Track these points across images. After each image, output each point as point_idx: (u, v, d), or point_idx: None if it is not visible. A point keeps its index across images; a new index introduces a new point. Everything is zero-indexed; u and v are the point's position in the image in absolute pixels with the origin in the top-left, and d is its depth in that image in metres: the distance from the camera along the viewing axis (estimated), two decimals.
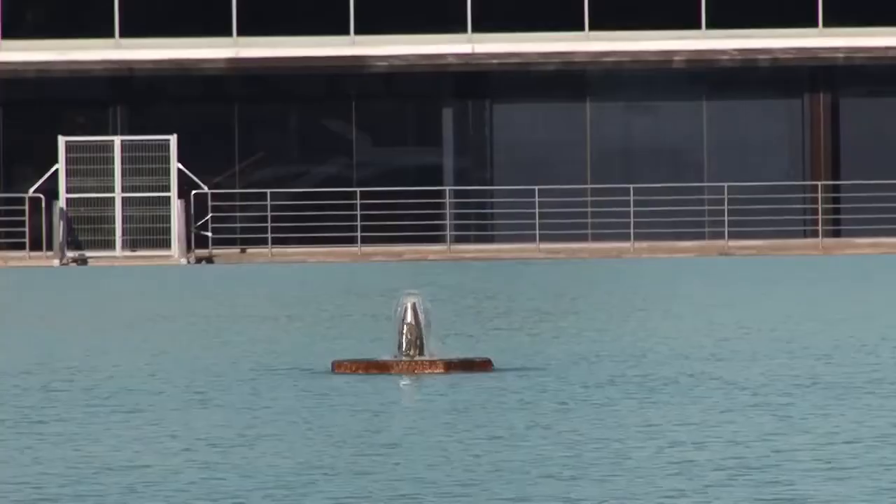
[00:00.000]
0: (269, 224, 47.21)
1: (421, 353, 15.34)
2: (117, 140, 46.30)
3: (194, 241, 47.25)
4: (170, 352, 17.92)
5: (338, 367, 15.58)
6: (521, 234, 47.27)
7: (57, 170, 45.67)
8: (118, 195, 45.97)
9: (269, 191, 46.99)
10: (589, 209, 47.26)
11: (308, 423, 9.58)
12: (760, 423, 8.99)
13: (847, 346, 17.31)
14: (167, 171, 45.90)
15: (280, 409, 10.97)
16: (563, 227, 46.72)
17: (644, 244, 46.64)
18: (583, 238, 47.29)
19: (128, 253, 46.65)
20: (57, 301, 33.29)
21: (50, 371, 15.16)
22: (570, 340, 18.75)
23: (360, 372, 15.44)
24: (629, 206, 46.90)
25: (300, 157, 48.71)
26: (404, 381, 14.59)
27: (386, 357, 15.39)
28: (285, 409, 10.95)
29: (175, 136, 45.83)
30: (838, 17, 48.10)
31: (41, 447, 8.14)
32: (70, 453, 7.67)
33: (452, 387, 13.66)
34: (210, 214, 46.44)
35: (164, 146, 45.65)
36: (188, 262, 46.63)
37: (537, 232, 46.32)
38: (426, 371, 15.15)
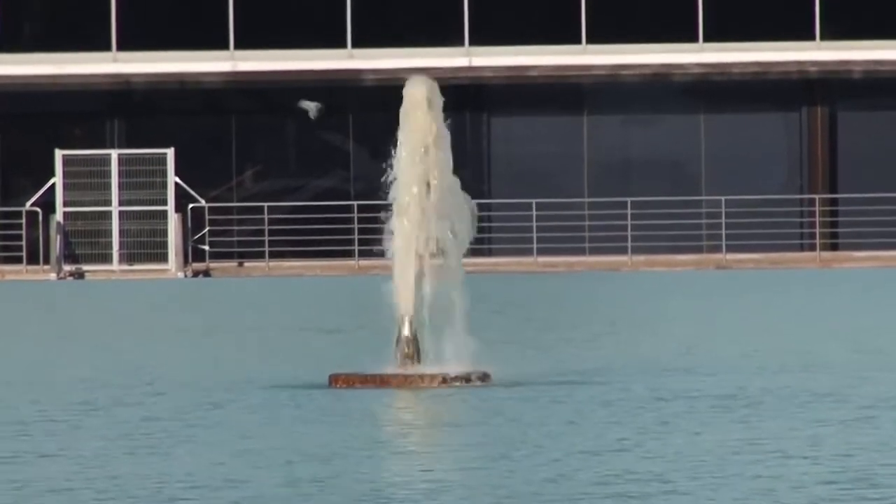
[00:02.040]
0: (266, 238, 47.31)
1: (418, 366, 15.08)
2: (114, 153, 46.35)
3: (191, 254, 47.04)
4: (164, 366, 17.95)
5: (335, 380, 15.50)
6: (519, 248, 47.47)
7: (54, 183, 45.54)
8: (115, 209, 46.05)
9: (266, 204, 47.06)
10: (587, 223, 47.38)
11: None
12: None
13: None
14: (164, 185, 45.81)
15: (276, 424, 10.94)
16: (561, 240, 46.90)
17: (642, 258, 46.80)
18: (580, 252, 47.41)
19: (125, 267, 46.63)
20: (52, 315, 33.34)
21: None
22: (591, 353, 18.89)
23: (358, 385, 15.27)
24: (626, 220, 47.10)
25: (297, 171, 48.91)
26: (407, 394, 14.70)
27: (384, 371, 15.20)
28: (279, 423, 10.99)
29: (172, 149, 45.75)
30: (835, 30, 48.21)
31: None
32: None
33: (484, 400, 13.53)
34: (207, 228, 46.45)
35: (162, 160, 45.65)
36: (185, 276, 46.47)
37: (535, 245, 46.51)
38: (423, 385, 14.96)
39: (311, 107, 47.05)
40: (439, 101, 16.39)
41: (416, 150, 16.56)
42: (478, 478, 6.81)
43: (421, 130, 16.48)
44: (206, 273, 47.25)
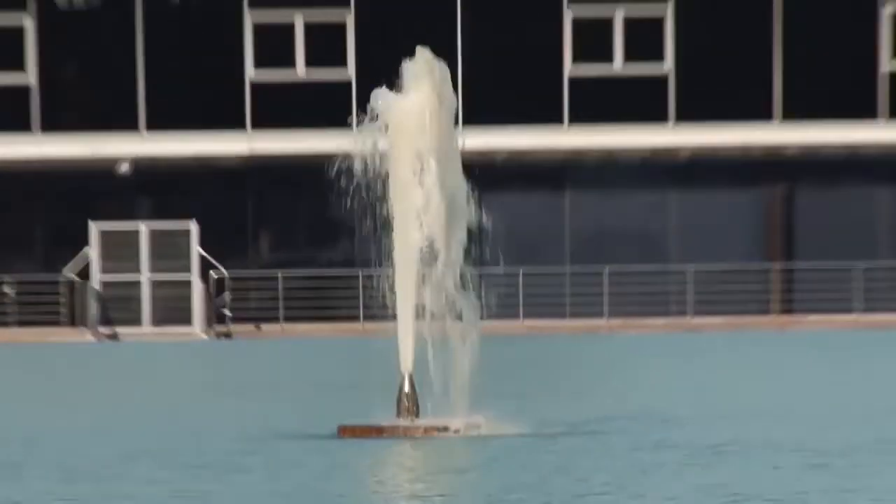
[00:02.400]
0: (280, 303, 46.29)
1: (417, 418, 14.70)
2: (143, 226, 45.75)
3: (214, 318, 46.38)
4: (202, 418, 17.55)
5: (343, 431, 15.26)
6: (507, 312, 46.43)
7: (89, 253, 44.89)
8: (144, 276, 45.22)
9: (280, 273, 46.21)
10: (567, 289, 47.05)
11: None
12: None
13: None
14: (188, 255, 45.05)
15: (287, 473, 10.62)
16: (545, 304, 46.52)
17: (618, 321, 46.40)
18: (562, 315, 46.97)
19: (155, 329, 45.76)
20: (93, 374, 32.48)
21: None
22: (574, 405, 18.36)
23: (362, 436, 15.06)
24: (603, 287, 46.86)
25: (308, 242, 48.22)
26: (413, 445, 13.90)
27: (386, 423, 14.67)
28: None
29: (195, 222, 45.29)
30: (795, 112, 48.03)
31: None
32: None
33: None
34: (227, 294, 45.93)
35: (186, 232, 45.02)
36: (209, 338, 45.56)
37: (521, 309, 46.19)
38: (419, 435, 14.42)
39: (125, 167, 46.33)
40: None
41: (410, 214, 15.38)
42: None
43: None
44: (228, 335, 46.15)
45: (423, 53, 14.84)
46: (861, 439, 12.45)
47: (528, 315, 46.80)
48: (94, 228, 44.27)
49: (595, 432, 14.20)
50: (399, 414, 14.47)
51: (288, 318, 45.87)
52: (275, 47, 49.24)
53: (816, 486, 8.50)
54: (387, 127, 14.83)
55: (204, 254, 44.84)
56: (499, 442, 13.27)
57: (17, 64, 49.32)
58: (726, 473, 9.32)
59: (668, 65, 49.07)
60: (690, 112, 48.19)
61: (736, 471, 9.66)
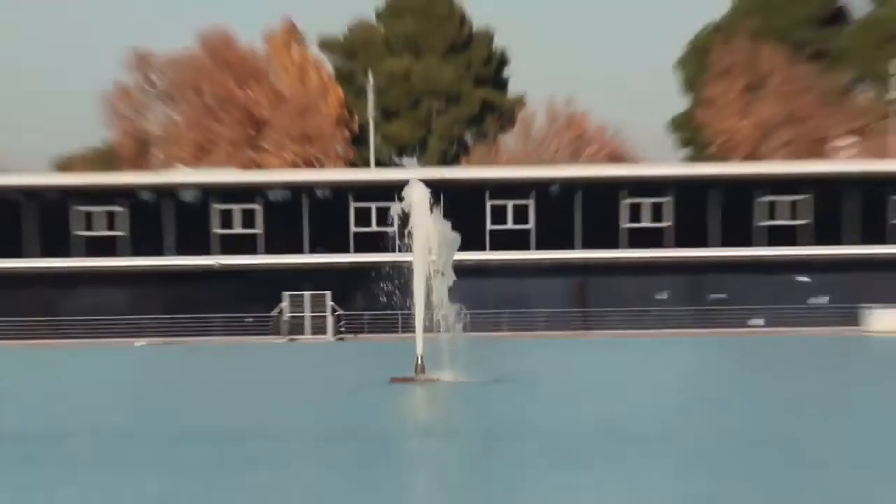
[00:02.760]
0: (365, 325, 68.34)
1: (423, 374, 26.52)
2: (307, 294, 70.47)
3: (336, 329, 70.31)
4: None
5: (393, 380, 26.36)
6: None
7: (283, 305, 70.81)
8: (307, 313, 70.53)
9: (365, 312, 66.68)
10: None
11: None
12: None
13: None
14: (325, 306, 70.61)
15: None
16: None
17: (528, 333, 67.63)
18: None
19: (308, 336, 70.02)
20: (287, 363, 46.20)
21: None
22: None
23: (402, 382, 26.47)
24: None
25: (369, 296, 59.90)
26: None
27: (410, 376, 26.92)
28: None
29: (330, 292, 70.64)
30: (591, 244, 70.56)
31: None
32: None
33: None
34: (341, 315, 69.99)
35: (324, 295, 70.94)
36: (334, 340, 69.21)
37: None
38: (422, 382, 25.82)
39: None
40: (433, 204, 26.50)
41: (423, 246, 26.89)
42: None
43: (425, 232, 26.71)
44: (342, 339, 69.31)
45: (417, 185, 26.45)
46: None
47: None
48: (286, 294, 71.32)
49: (503, 381, 26.88)
50: (416, 372, 26.61)
51: (370, 331, 69.10)
52: None
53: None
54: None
55: (333, 304, 70.86)
56: (458, 386, 25.25)
57: None
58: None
59: None
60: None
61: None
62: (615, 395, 25.02)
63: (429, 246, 26.09)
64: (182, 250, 69.43)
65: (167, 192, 70.46)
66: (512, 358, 41.66)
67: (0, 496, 12.95)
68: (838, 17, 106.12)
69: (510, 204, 69.90)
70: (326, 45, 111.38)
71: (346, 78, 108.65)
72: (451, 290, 26.79)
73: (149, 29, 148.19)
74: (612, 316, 69.98)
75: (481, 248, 67.81)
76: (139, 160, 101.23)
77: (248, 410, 23.68)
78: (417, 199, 26.00)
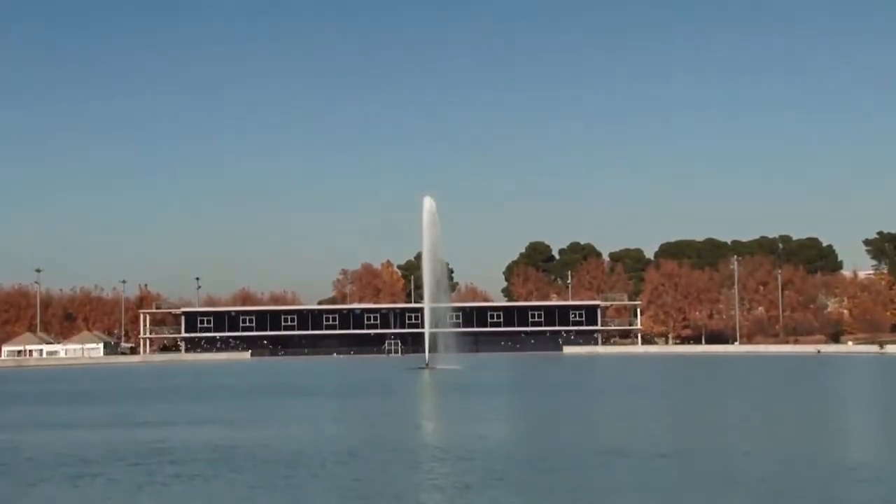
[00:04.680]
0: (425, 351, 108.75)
1: (430, 366, 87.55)
2: (392, 341, 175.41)
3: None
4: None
5: (421, 367, 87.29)
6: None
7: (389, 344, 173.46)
8: (392, 353, 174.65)
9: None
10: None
11: None
12: None
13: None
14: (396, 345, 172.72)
15: None
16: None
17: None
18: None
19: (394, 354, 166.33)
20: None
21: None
22: None
23: (422, 369, 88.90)
24: None
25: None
26: None
27: (424, 366, 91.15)
28: None
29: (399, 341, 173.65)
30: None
31: None
32: None
33: None
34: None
35: (397, 343, 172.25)
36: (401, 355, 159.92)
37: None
38: (429, 368, 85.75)
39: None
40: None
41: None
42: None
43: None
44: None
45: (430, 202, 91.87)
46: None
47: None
48: (388, 341, 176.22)
49: (484, 368, 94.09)
50: (426, 365, 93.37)
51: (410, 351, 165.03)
52: None
53: None
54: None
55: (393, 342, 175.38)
56: (449, 371, 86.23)
57: None
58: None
59: None
60: None
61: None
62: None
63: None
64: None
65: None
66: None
67: None
68: None
69: None
70: None
71: None
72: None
73: None
74: None
75: None
76: None
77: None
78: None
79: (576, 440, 29.02)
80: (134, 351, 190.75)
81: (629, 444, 26.85)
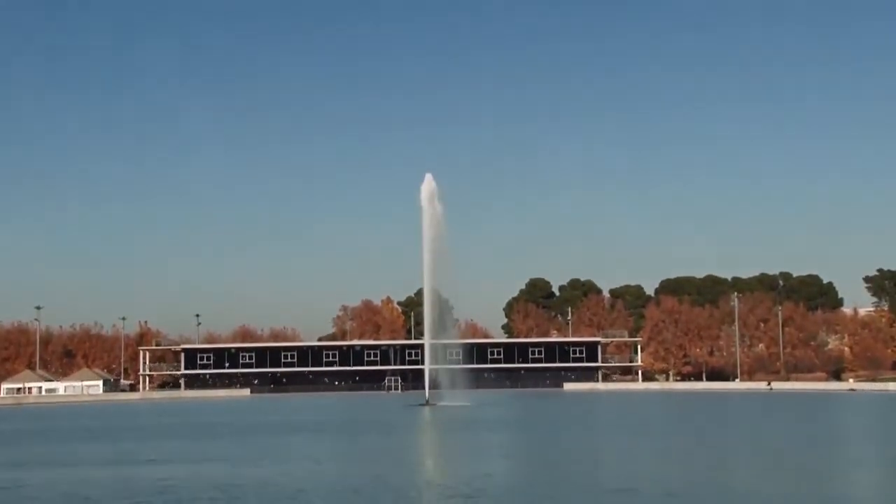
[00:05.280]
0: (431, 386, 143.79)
1: (432, 404, 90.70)
2: (392, 378, 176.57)
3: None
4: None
5: (422, 404, 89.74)
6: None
7: (389, 380, 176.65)
8: (396, 387, 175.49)
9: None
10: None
11: None
12: None
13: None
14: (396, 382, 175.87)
15: None
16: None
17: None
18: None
19: (394, 391, 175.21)
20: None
21: None
22: None
23: (424, 405, 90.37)
24: None
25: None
26: None
27: (426, 403, 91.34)
28: None
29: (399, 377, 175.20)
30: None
31: None
32: None
33: None
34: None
35: (397, 379, 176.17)
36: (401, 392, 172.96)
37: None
38: (430, 405, 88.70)
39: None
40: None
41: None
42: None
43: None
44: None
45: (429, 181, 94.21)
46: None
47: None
48: (388, 377, 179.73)
49: (487, 405, 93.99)
50: (427, 402, 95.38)
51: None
52: None
53: None
54: None
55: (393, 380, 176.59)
56: (454, 408, 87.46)
57: None
58: None
59: None
60: None
61: None
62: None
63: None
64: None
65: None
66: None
67: None
68: None
69: None
70: None
71: None
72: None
73: None
74: None
75: None
76: None
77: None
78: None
79: (586, 477, 29.14)
80: (133, 388, 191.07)
81: (637, 483, 26.78)
